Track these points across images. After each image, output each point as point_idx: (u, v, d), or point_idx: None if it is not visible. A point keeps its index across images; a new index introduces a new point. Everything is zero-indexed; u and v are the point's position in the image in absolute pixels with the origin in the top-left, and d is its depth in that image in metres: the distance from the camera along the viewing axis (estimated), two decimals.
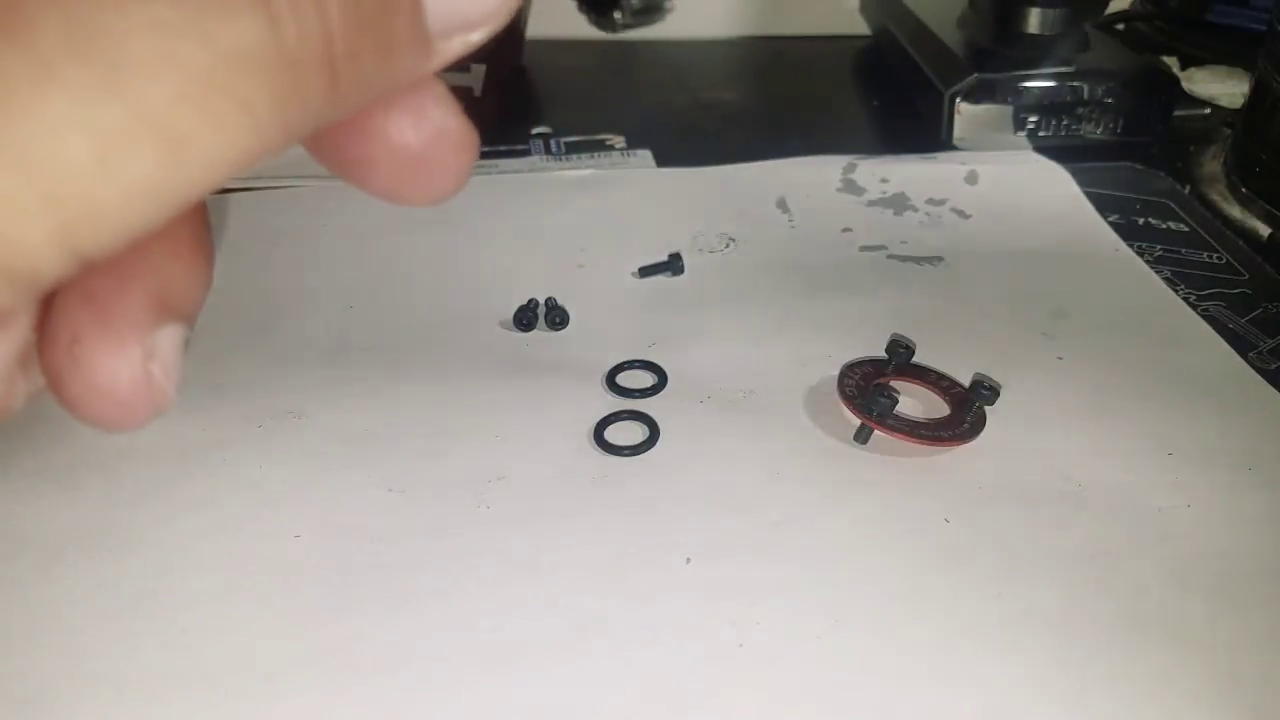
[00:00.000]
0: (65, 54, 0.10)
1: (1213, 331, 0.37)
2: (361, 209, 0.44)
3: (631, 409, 0.33)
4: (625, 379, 0.35)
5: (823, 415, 0.33)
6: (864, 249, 0.43)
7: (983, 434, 0.32)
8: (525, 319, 0.37)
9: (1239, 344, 0.37)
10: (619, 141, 0.52)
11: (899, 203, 0.46)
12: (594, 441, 0.32)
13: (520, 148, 0.51)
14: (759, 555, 0.28)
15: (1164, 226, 0.45)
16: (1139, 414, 0.33)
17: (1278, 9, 0.44)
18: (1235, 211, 0.46)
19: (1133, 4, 0.66)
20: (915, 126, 0.53)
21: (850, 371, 0.34)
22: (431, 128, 0.14)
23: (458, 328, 0.38)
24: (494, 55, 0.53)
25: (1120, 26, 0.64)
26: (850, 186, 0.48)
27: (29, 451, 0.31)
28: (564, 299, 0.38)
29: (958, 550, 0.28)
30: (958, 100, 0.50)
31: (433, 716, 0.24)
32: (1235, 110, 0.52)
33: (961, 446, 0.32)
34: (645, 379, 0.35)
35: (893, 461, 0.31)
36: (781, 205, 0.46)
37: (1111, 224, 0.45)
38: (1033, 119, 0.50)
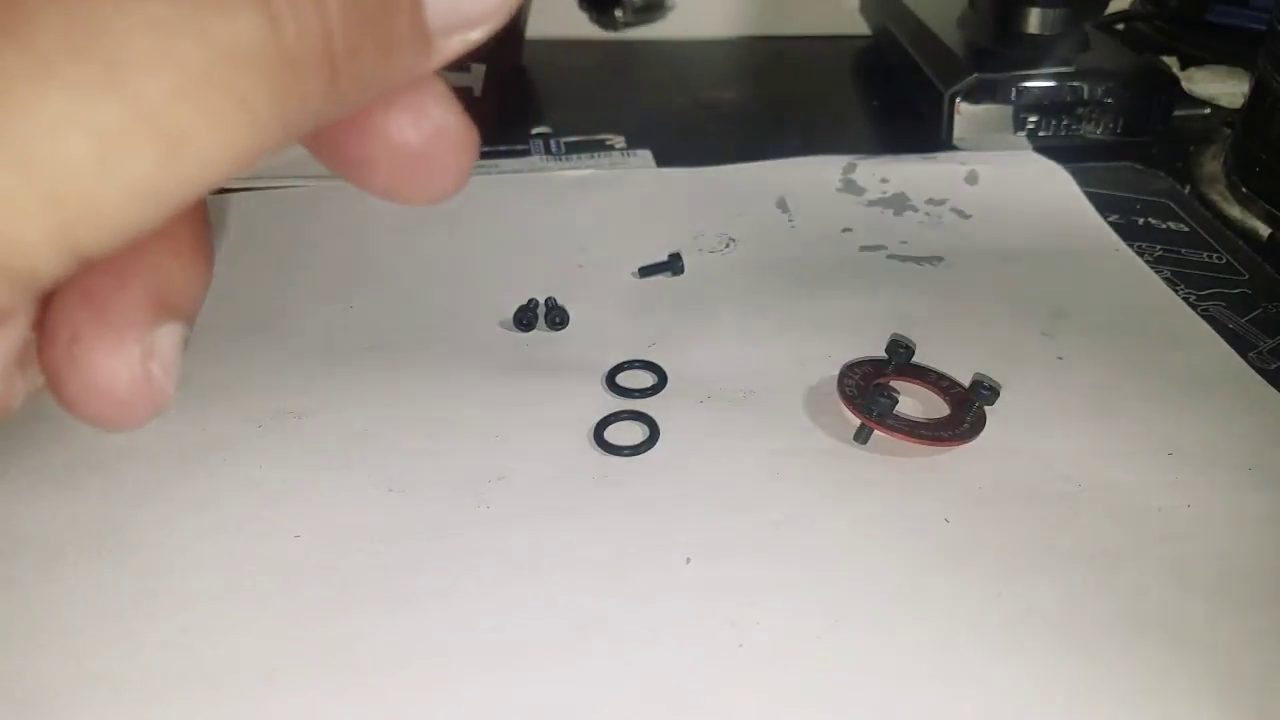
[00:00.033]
0: (64, 52, 0.10)
1: (1213, 331, 0.37)
2: (362, 209, 0.44)
3: (631, 409, 0.33)
4: (625, 379, 0.35)
5: (823, 415, 0.33)
6: (864, 249, 0.43)
7: (983, 434, 0.32)
8: (525, 319, 0.37)
9: (1239, 344, 0.37)
10: (619, 141, 0.52)
11: (899, 203, 0.46)
12: (594, 441, 0.32)
13: (520, 148, 0.51)
14: (759, 555, 0.28)
15: (1164, 226, 0.45)
16: (1139, 414, 0.33)
17: (1278, 9, 0.44)
18: (1235, 211, 0.46)
19: (1133, 4, 0.66)
20: (915, 126, 0.53)
21: (850, 371, 0.34)
22: (432, 126, 0.14)
23: (458, 328, 0.38)
24: (494, 55, 0.53)
25: (1120, 26, 0.64)
26: (850, 186, 0.48)
27: (29, 451, 0.31)
28: (564, 299, 0.38)
29: (958, 550, 0.28)
30: (958, 100, 0.50)
31: (433, 716, 0.24)
32: (1235, 110, 0.52)
33: (961, 446, 0.32)
34: (645, 379, 0.35)
35: (893, 461, 0.31)
36: (781, 205, 0.46)
37: (1111, 224, 0.45)
38: (1033, 119, 0.50)
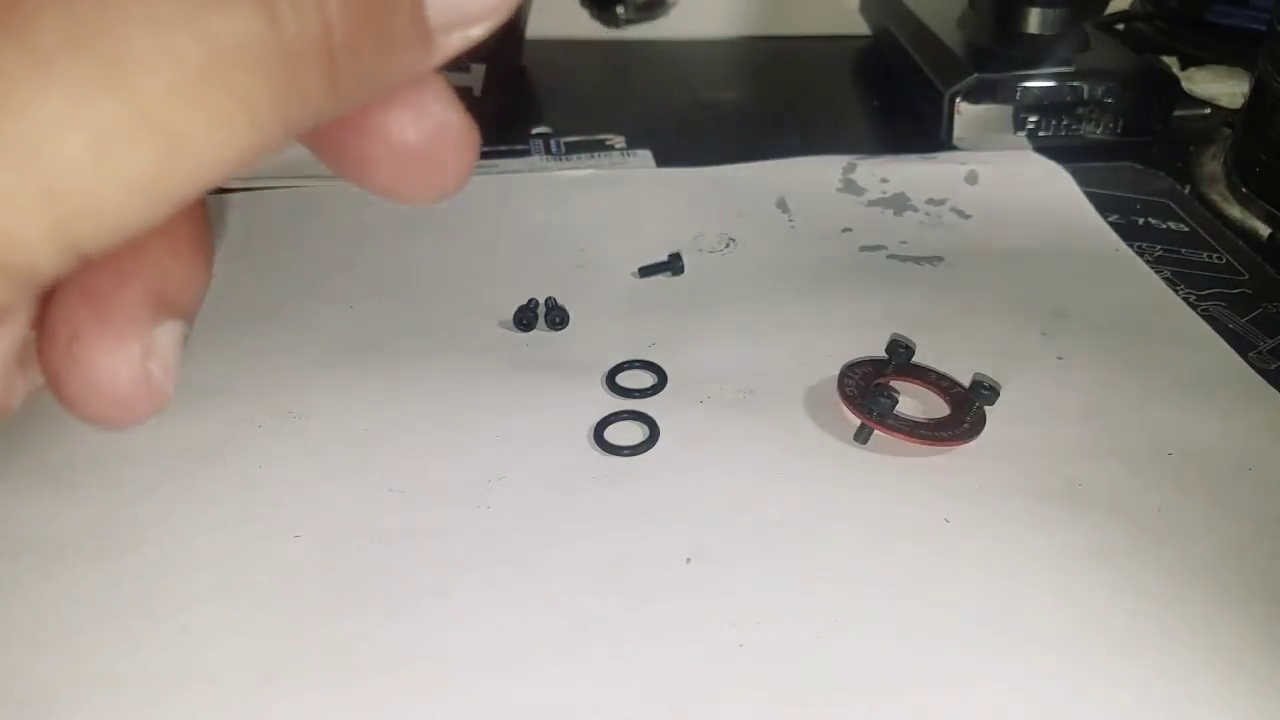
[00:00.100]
0: (64, 50, 0.10)
1: (1213, 331, 0.37)
2: (362, 209, 0.44)
3: (631, 409, 0.33)
4: (625, 379, 0.35)
5: (823, 415, 0.33)
6: (864, 249, 0.43)
7: (983, 434, 0.32)
8: (525, 319, 0.37)
9: (1239, 344, 0.37)
10: (619, 141, 0.52)
11: (899, 203, 0.46)
12: (594, 441, 0.32)
13: (520, 148, 0.51)
14: (759, 555, 0.28)
15: (1164, 226, 0.45)
16: (1139, 414, 0.33)
17: (1278, 9, 0.44)
18: (1235, 211, 0.46)
19: (1133, 4, 0.66)
20: (915, 126, 0.53)
21: (850, 371, 0.34)
22: (432, 124, 0.14)
23: (458, 328, 0.38)
24: (494, 55, 0.53)
25: (1120, 26, 0.64)
26: (850, 186, 0.48)
27: (28, 451, 0.31)
28: (564, 299, 0.38)
29: (958, 550, 0.28)
30: (958, 100, 0.50)
31: (433, 716, 0.24)
32: (1235, 110, 0.52)
33: (961, 446, 0.32)
34: (645, 379, 0.35)
35: (893, 461, 0.31)
36: (781, 205, 0.46)
37: (1111, 224, 0.45)
38: (1033, 119, 0.50)
